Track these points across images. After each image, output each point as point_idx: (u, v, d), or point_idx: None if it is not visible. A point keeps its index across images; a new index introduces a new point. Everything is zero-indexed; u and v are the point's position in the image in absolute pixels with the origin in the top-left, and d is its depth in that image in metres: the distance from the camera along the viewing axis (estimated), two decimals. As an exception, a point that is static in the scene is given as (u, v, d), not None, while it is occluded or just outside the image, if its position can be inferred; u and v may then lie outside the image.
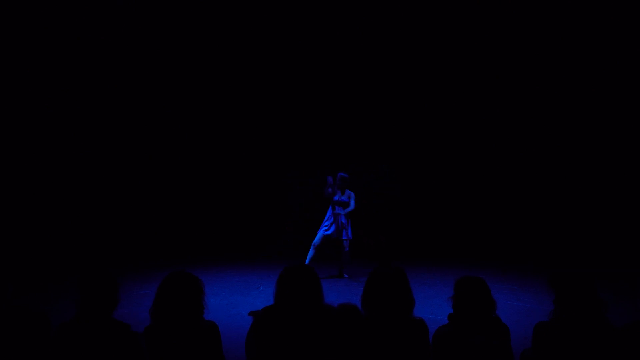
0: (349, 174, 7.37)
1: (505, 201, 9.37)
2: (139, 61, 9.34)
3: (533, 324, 2.92)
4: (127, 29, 8.81)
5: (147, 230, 9.31)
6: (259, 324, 2.86)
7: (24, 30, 8.50)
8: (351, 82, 9.68)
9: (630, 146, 8.64)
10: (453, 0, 8.96)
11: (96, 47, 8.99)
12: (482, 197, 9.50)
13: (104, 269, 3.02)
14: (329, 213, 7.26)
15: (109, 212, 9.35)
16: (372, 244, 9.23)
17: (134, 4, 8.67)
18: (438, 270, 7.55)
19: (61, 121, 9.03)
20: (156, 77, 9.51)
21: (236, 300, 6.12)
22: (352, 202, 7.21)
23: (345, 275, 7.35)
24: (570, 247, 8.34)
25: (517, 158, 9.39)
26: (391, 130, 9.82)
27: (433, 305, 5.65)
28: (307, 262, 7.00)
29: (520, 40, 8.96)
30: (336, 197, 7.18)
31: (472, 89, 9.52)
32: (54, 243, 8.51)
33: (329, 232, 7.17)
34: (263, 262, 8.41)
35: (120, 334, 2.78)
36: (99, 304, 2.78)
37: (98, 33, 8.86)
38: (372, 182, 9.95)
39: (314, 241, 7.22)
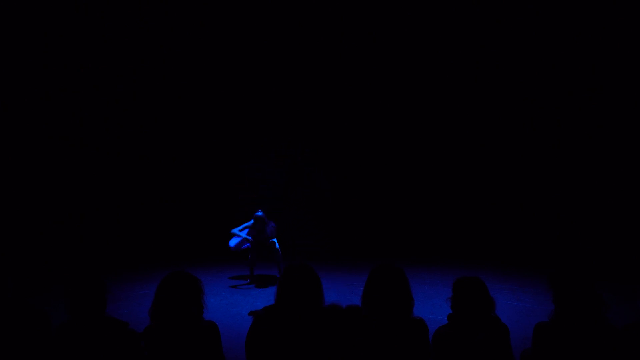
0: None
1: (505, 201, 9.35)
2: (138, 61, 9.35)
3: (533, 324, 2.93)
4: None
5: (147, 230, 9.30)
6: (259, 324, 2.86)
7: (24, 30, 8.50)
8: (350, 82, 9.67)
9: (630, 146, 8.62)
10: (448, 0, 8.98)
11: (95, 46, 9.00)
12: (482, 197, 9.49)
13: (90, 273, 3.01)
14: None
15: (109, 212, 9.34)
16: None
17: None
18: (438, 270, 7.55)
19: (61, 121, 9.02)
20: (157, 77, 9.50)
21: (236, 300, 6.13)
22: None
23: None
24: (570, 247, 8.33)
25: (517, 158, 9.37)
26: (390, 130, 9.80)
27: (433, 305, 5.65)
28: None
29: (516, 37, 8.95)
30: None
31: (472, 88, 9.50)
32: (53, 243, 8.50)
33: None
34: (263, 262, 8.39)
35: (118, 332, 2.79)
36: (87, 307, 2.78)
37: (98, 33, 8.88)
38: (371, 182, 9.93)
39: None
